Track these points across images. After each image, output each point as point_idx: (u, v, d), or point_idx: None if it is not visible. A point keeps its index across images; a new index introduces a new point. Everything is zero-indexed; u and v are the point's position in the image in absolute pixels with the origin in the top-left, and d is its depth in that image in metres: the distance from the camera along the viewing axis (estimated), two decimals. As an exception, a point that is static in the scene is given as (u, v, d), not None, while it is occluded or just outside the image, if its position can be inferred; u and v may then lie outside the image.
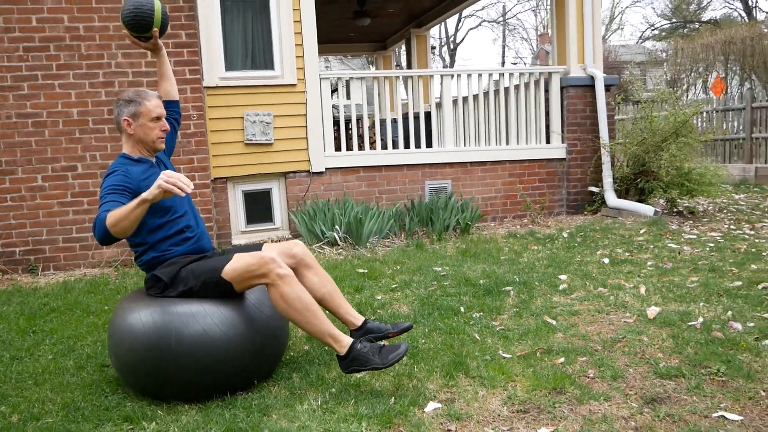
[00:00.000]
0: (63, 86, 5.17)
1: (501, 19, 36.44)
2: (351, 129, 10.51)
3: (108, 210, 2.20)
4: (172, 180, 2.07)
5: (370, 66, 29.92)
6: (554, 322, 3.17)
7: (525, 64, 38.10)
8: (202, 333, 2.36)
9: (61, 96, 5.16)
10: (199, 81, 5.49)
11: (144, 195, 2.13)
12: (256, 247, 2.79)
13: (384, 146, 6.50)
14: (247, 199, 6.06)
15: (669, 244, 4.81)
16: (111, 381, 2.68)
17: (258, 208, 6.11)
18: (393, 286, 4.04)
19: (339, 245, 5.32)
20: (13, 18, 5.05)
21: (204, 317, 2.39)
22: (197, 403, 2.40)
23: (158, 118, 2.63)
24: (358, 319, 2.76)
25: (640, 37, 34.11)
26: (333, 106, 6.24)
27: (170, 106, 2.86)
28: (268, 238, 5.97)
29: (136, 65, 5.30)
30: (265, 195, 6.13)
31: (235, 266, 2.43)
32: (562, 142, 6.78)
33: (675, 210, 6.32)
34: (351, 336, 2.65)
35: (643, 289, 3.63)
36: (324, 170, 6.17)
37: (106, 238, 2.19)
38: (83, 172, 5.19)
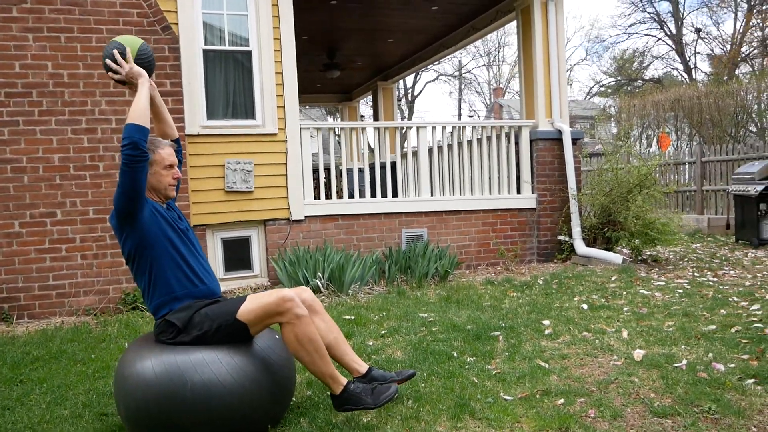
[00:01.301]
0: (44, 132, 5.15)
1: (457, 73, 37.85)
2: (317, 178, 10.68)
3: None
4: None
5: (329, 116, 30.46)
6: (547, 365, 3.28)
7: (479, 116, 39.43)
8: (215, 381, 2.36)
9: (42, 142, 5.13)
10: (182, 129, 5.55)
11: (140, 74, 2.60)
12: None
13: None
14: (225, 247, 6.06)
15: (641, 291, 5.04)
16: (113, 429, 2.63)
17: (237, 255, 6.11)
18: (382, 332, 4.10)
19: (322, 292, 5.36)
20: (-4, 64, 5.05)
21: (217, 365, 2.40)
22: (210, 449, 2.39)
23: (171, 166, 2.69)
24: (362, 367, 2.82)
25: (588, 93, 35.93)
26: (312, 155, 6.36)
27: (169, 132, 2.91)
28: (247, 285, 5.95)
29: (120, 112, 5.34)
30: (244, 242, 6.14)
31: (250, 307, 2.47)
32: (533, 193, 7.07)
33: (639, 258, 6.62)
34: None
35: (625, 333, 3.80)
36: (303, 218, 6.24)
37: (135, 131, 2.45)
38: (63, 218, 5.12)
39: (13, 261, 4.97)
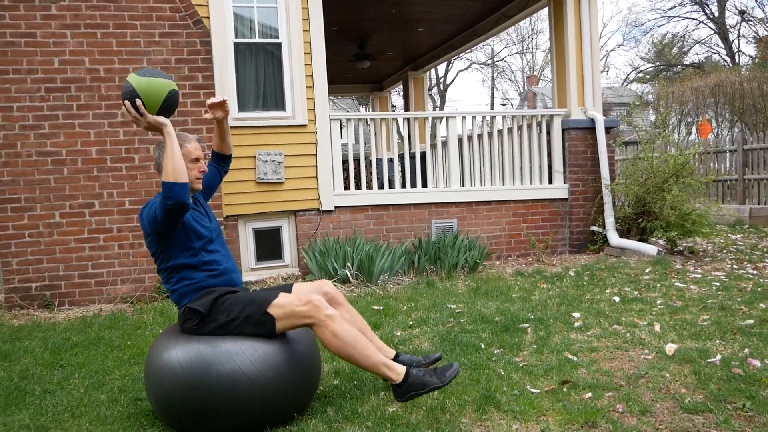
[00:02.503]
0: (82, 125, 5.29)
1: (490, 61, 37.42)
2: (347, 169, 10.75)
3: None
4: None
5: (361, 107, 30.48)
6: (575, 359, 3.26)
7: (512, 105, 38.96)
8: (239, 372, 2.40)
9: (80, 135, 5.28)
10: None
11: (162, 124, 2.48)
12: (287, 287, 2.87)
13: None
14: (257, 237, 6.15)
15: (675, 283, 4.94)
16: (147, 414, 2.72)
17: (268, 245, 6.20)
18: (410, 323, 4.12)
19: (351, 283, 5.40)
20: (36, 60, 5.20)
21: (241, 356, 2.42)
22: (239, 436, 2.45)
23: (197, 160, 2.74)
24: (390, 353, 2.85)
25: (625, 80, 35.12)
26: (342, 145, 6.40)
27: (222, 160, 3.03)
28: (278, 275, 6.04)
29: (154, 105, 5.44)
30: (275, 232, 6.22)
31: (282, 303, 2.51)
32: (565, 183, 6.97)
33: (675, 249, 6.48)
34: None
35: (658, 327, 3.73)
36: (333, 208, 6.28)
37: (176, 190, 2.41)
38: (100, 209, 5.27)
39: (54, 250, 5.15)
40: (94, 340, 3.94)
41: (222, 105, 2.80)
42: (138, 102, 2.43)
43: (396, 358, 2.82)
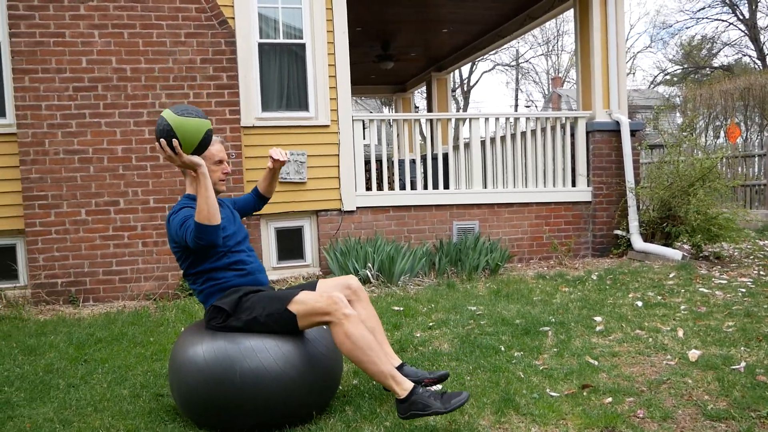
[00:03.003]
0: (109, 124, 5.38)
1: (514, 62, 37.18)
2: (370, 170, 10.78)
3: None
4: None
5: (385, 107, 30.50)
6: (596, 363, 3.22)
7: (536, 107, 38.67)
8: (262, 369, 2.41)
9: (106, 134, 5.37)
10: (238, 121, 5.70)
11: (197, 165, 2.45)
12: (311, 285, 2.89)
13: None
14: (279, 236, 6.19)
15: (700, 289, 4.85)
16: (169, 410, 2.75)
17: (289, 245, 6.24)
18: (430, 324, 4.11)
19: (371, 283, 5.41)
20: (65, 59, 5.31)
21: (264, 353, 2.44)
22: (257, 433, 2.47)
23: (220, 161, 2.77)
24: (396, 362, 2.81)
25: (652, 82, 34.61)
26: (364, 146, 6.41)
27: (261, 199, 3.17)
28: (299, 275, 6.07)
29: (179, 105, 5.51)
30: (297, 232, 6.26)
31: (302, 299, 2.52)
32: (588, 186, 6.89)
33: (701, 255, 6.36)
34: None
35: (681, 332, 3.67)
36: (355, 209, 6.30)
37: (209, 232, 2.43)
38: (125, 207, 5.36)
39: (79, 247, 5.24)
40: (118, 336, 4.01)
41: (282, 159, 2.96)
42: (175, 142, 2.39)
43: (401, 368, 2.75)
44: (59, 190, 5.24)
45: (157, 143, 2.42)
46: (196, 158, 2.47)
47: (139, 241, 5.38)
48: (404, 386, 2.43)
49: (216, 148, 2.77)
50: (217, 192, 2.82)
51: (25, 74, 5.20)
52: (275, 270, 6.12)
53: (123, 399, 2.91)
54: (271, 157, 2.94)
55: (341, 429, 2.51)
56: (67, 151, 5.28)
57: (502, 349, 3.50)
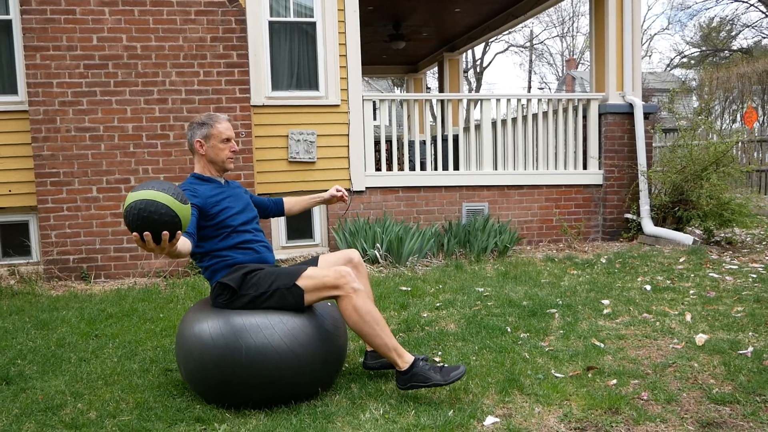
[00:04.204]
0: (119, 102, 5.40)
1: (528, 44, 36.73)
2: (379, 150, 10.76)
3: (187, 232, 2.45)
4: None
5: (396, 88, 30.31)
6: (602, 345, 3.22)
7: (550, 89, 38.26)
8: (268, 346, 2.43)
9: (117, 111, 5.39)
10: (248, 100, 5.69)
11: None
12: (314, 260, 2.91)
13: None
14: (288, 216, 6.19)
15: (710, 274, 4.82)
16: (177, 384, 2.79)
17: (299, 224, 6.26)
18: (437, 305, 4.12)
19: (380, 263, 5.43)
20: (76, 37, 5.31)
21: (270, 330, 2.46)
22: (264, 408, 2.50)
23: (228, 140, 2.78)
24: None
25: (669, 65, 34.10)
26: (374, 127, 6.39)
27: (279, 213, 3.24)
28: (308, 254, 6.10)
29: (189, 83, 5.52)
30: (306, 212, 6.27)
31: (311, 274, 2.54)
32: (599, 169, 6.84)
33: (712, 240, 6.31)
34: (366, 356, 2.85)
35: (689, 317, 3.66)
36: (364, 189, 6.30)
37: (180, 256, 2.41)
38: (136, 184, 5.39)
39: (91, 224, 5.29)
40: (128, 312, 4.06)
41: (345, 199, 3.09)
42: (178, 234, 2.09)
43: None
44: (71, 168, 5.28)
45: (149, 234, 2.02)
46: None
47: (149, 218, 5.41)
48: (406, 359, 2.52)
49: (224, 126, 2.77)
50: (225, 171, 2.84)
51: (36, 51, 5.22)
52: (284, 249, 6.15)
53: (133, 373, 2.96)
54: (337, 193, 3.09)
55: (347, 405, 2.53)
56: (78, 129, 5.30)
57: (509, 330, 3.51)
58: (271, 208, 3.17)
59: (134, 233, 2.05)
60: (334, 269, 2.54)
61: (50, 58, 5.24)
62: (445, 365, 2.56)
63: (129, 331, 3.66)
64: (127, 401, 2.61)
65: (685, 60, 32.25)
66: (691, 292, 4.28)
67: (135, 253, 5.37)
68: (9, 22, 5.44)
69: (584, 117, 6.90)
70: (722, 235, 6.60)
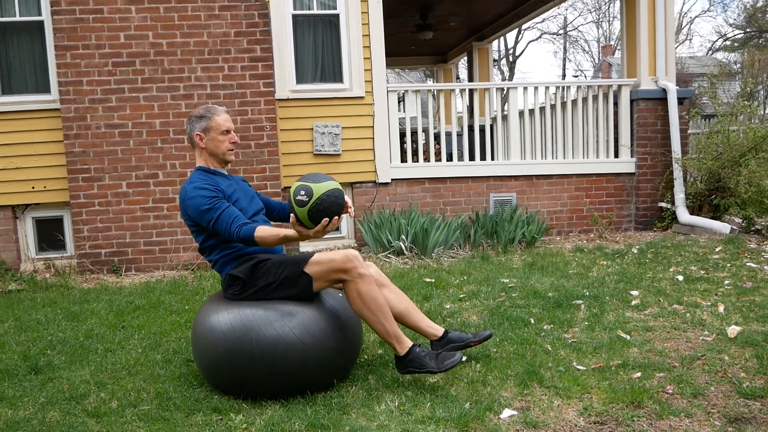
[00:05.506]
0: (147, 98, 5.48)
1: (562, 31, 36.02)
2: (405, 142, 10.67)
3: (244, 222, 2.55)
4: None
5: (428, 79, 30.09)
6: (628, 337, 3.13)
7: (585, 76, 37.45)
8: (279, 338, 2.43)
9: (145, 108, 5.47)
10: (273, 93, 5.71)
11: (293, 233, 2.43)
12: (310, 256, 2.89)
13: (449, 158, 6.55)
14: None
15: (748, 264, 4.64)
16: (197, 375, 2.83)
17: (325, 217, 6.26)
18: (461, 296, 4.08)
19: (405, 255, 5.40)
20: (104, 35, 5.41)
21: (280, 323, 2.46)
22: (279, 399, 2.51)
23: (227, 131, 2.77)
24: (438, 331, 2.85)
25: (710, 48, 32.99)
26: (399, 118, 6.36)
27: (286, 212, 3.08)
28: (334, 246, 6.11)
29: (214, 78, 5.57)
30: (332, 204, 6.27)
31: (319, 259, 2.54)
32: (632, 156, 6.66)
33: (752, 228, 6.08)
34: (432, 347, 2.81)
35: (721, 308, 3.53)
36: (390, 181, 6.27)
37: (249, 242, 2.52)
38: (164, 179, 5.48)
39: (121, 218, 5.41)
40: (155, 304, 4.13)
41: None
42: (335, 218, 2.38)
43: (445, 335, 2.84)
44: (101, 164, 5.39)
45: (326, 219, 2.34)
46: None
47: (177, 212, 5.50)
48: (404, 345, 2.56)
49: (222, 117, 2.77)
50: (226, 163, 2.83)
51: (67, 51, 5.34)
52: (310, 241, 6.17)
53: (156, 364, 3.01)
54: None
55: (362, 396, 2.53)
56: (108, 125, 5.41)
57: (532, 321, 3.45)
58: (277, 209, 3.09)
59: (324, 219, 2.35)
60: (342, 252, 2.54)
61: (80, 57, 5.35)
62: (441, 352, 2.61)
63: (155, 322, 3.72)
64: (148, 391, 2.65)
65: (728, 43, 31.13)
66: (726, 282, 4.13)
67: (164, 246, 5.47)
68: (41, 23, 5.57)
69: (615, 104, 6.72)
70: (763, 223, 6.36)
